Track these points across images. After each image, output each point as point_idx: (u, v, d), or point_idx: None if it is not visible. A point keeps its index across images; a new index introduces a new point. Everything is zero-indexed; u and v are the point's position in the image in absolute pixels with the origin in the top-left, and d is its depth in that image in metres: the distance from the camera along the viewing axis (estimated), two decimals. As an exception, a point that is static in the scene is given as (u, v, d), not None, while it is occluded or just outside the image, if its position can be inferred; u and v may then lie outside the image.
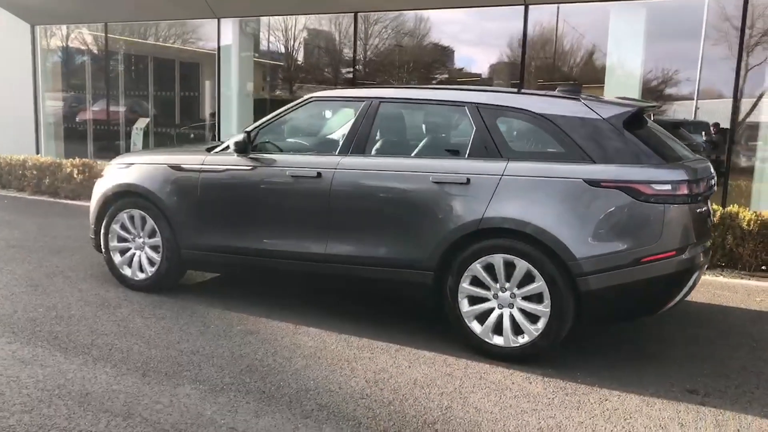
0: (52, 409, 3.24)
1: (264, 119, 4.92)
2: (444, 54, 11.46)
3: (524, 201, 3.98)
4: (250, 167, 4.77)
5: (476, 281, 4.10)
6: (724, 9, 8.48)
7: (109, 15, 12.01)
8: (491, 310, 4.10)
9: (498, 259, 4.01)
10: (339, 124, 5.28)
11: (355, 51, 10.36)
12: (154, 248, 5.15)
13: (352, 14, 10.11)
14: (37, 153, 12.78)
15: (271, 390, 3.55)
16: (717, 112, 9.12)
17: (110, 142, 12.98)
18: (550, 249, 3.88)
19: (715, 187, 4.41)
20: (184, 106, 13.45)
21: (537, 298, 3.96)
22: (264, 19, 11.85)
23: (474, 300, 4.14)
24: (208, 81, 12.73)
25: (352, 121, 4.64)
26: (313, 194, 4.53)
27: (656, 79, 9.60)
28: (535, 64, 10.25)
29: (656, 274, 3.83)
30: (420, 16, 10.65)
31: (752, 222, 6.34)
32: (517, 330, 4.04)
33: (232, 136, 4.90)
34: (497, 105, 4.27)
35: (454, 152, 4.41)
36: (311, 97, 4.88)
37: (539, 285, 3.92)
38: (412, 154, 4.52)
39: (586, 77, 10.23)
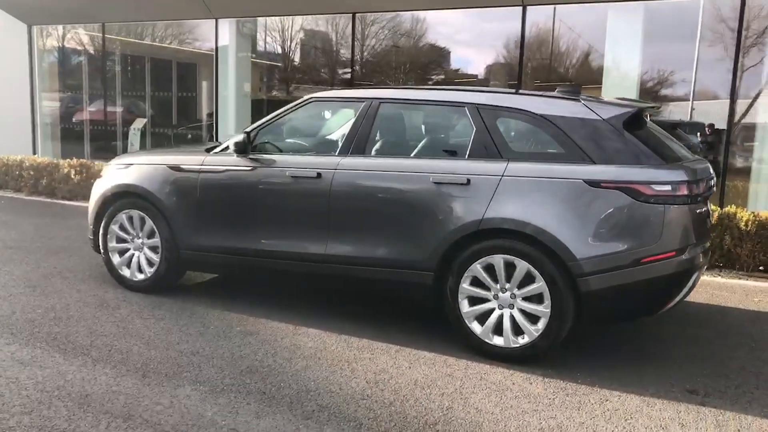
0: (51, 410, 3.23)
1: (264, 120, 4.91)
2: (442, 55, 11.47)
3: (524, 201, 3.99)
4: (249, 168, 4.76)
5: (476, 282, 4.10)
6: (720, 10, 8.50)
7: (107, 15, 11.98)
8: (491, 310, 4.10)
9: (498, 260, 4.01)
10: (339, 124, 5.28)
11: (353, 52, 10.36)
12: (153, 249, 5.14)
13: (350, 15, 10.10)
14: (34, 153, 12.74)
15: (271, 391, 3.54)
16: (713, 113, 9.15)
17: (107, 142, 12.95)
18: (551, 249, 3.88)
19: (715, 188, 4.42)
20: (182, 107, 13.43)
21: (537, 298, 3.97)
22: (262, 20, 11.85)
23: (474, 300, 4.14)
24: (206, 81, 12.71)
25: (352, 121, 4.64)
26: (312, 195, 4.53)
27: (653, 80, 9.62)
28: (533, 65, 10.27)
29: (656, 274, 3.84)
30: (418, 16, 10.65)
31: (750, 222, 6.36)
32: (518, 330, 4.04)
33: (232, 136, 4.89)
34: (497, 105, 4.27)
35: (454, 153, 4.41)
36: (311, 98, 4.88)
37: (539, 285, 3.92)
38: (412, 155, 4.52)
39: (583, 78, 10.25)
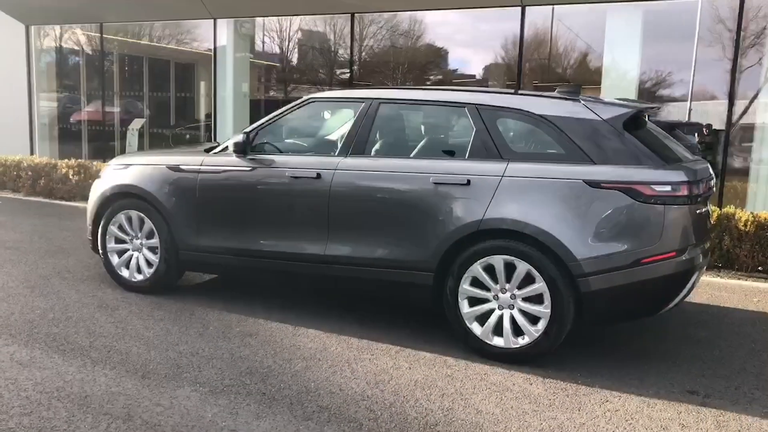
0: (51, 411, 3.22)
1: (263, 120, 4.90)
2: (440, 55, 11.46)
3: (524, 202, 3.98)
4: (249, 168, 4.75)
5: (476, 282, 4.10)
6: (718, 11, 8.51)
7: (105, 15, 11.95)
8: (491, 311, 4.09)
9: (498, 260, 4.01)
10: (338, 125, 5.27)
11: (351, 52, 10.35)
12: (152, 249, 5.13)
13: (349, 15, 10.09)
14: (32, 154, 12.70)
15: (271, 392, 3.54)
16: (711, 114, 9.15)
17: (105, 142, 12.91)
18: (551, 250, 3.88)
19: (714, 189, 4.42)
20: (180, 107, 13.40)
21: (537, 299, 3.96)
22: (260, 20, 11.83)
23: (474, 301, 4.13)
24: (204, 82, 12.69)
25: (352, 122, 4.64)
26: (312, 195, 4.52)
27: (652, 81, 9.62)
28: (532, 66, 10.27)
29: (656, 275, 3.84)
30: (417, 17, 10.64)
31: (749, 223, 6.37)
32: (518, 331, 4.03)
33: (231, 137, 4.88)
34: (497, 106, 4.27)
35: (455, 153, 4.41)
36: (310, 98, 4.87)
37: (540, 286, 3.92)
38: (412, 155, 4.52)
39: (581, 78, 10.24)
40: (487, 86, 10.54)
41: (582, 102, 4.13)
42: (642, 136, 4.07)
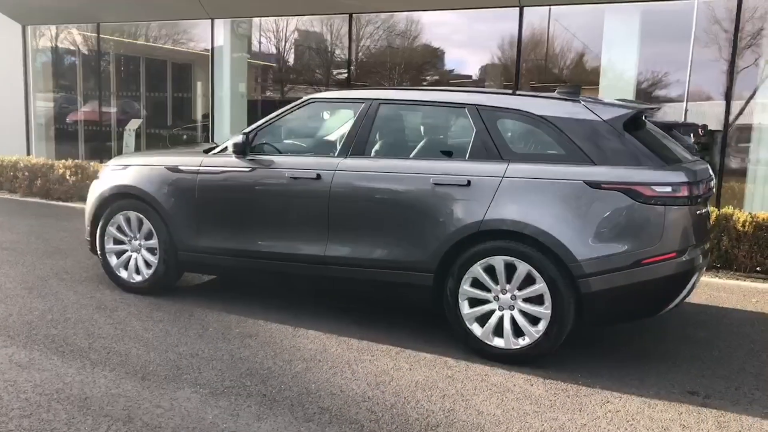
0: (51, 413, 3.20)
1: (262, 121, 4.89)
2: (438, 55, 11.46)
3: (525, 203, 3.98)
4: (248, 169, 4.74)
5: (477, 283, 4.10)
6: (714, 12, 8.53)
7: (102, 15, 11.92)
8: (492, 312, 4.09)
9: (498, 261, 4.01)
10: (338, 125, 5.26)
11: (350, 52, 10.34)
12: (151, 250, 5.11)
13: (347, 15, 10.08)
14: (28, 154, 12.66)
15: (272, 393, 3.53)
16: (706, 114, 9.17)
17: (101, 143, 12.88)
18: (551, 251, 3.88)
19: (714, 189, 4.43)
20: (177, 107, 13.37)
21: (538, 299, 3.96)
22: (258, 20, 11.81)
23: (474, 302, 4.13)
24: (200, 82, 12.66)
25: (352, 122, 4.63)
26: (312, 196, 4.52)
27: (649, 82, 9.64)
28: (529, 66, 10.27)
29: (657, 275, 3.84)
30: (415, 17, 10.64)
31: (747, 224, 6.38)
32: (518, 332, 4.03)
33: (230, 137, 4.87)
34: (497, 106, 4.26)
35: (455, 154, 4.40)
36: (310, 99, 4.86)
37: (540, 287, 3.92)
38: (412, 156, 4.51)
39: (579, 79, 10.24)
40: (484, 87, 10.54)
41: (582, 103, 4.13)
42: (642, 137, 4.07)
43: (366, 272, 4.40)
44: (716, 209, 6.71)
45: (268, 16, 11.43)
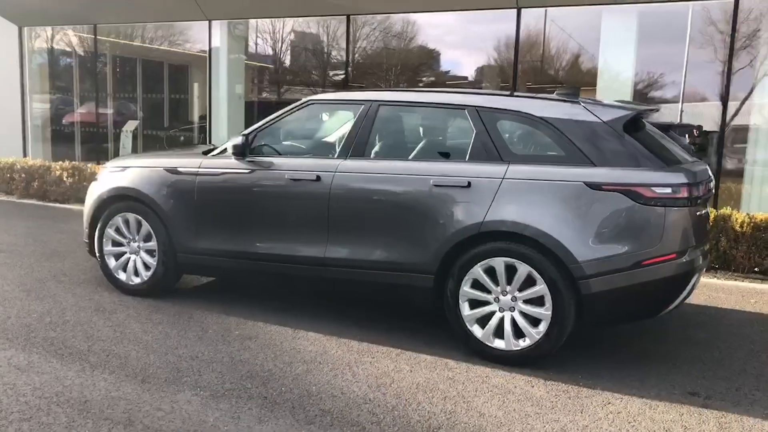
0: (51, 417, 3.18)
1: (262, 122, 4.88)
2: (434, 57, 11.46)
3: (525, 204, 3.98)
4: (248, 170, 4.73)
5: (477, 284, 4.09)
6: (709, 13, 8.55)
7: (99, 17, 11.89)
8: (492, 313, 4.09)
9: (499, 263, 4.00)
10: (338, 127, 5.26)
11: (347, 53, 10.34)
12: (150, 252, 5.09)
13: (345, 17, 10.07)
14: (25, 156, 12.63)
15: (273, 395, 3.52)
16: (701, 115, 9.20)
17: (98, 144, 12.85)
18: (552, 252, 3.88)
19: (714, 190, 4.43)
20: (173, 109, 13.35)
21: (538, 301, 3.96)
22: (256, 22, 11.80)
23: (475, 303, 4.13)
24: (197, 83, 12.65)
25: (352, 124, 4.62)
26: (312, 198, 4.51)
27: (646, 83, 9.66)
28: (525, 67, 10.28)
29: (657, 276, 3.84)
30: (412, 19, 10.64)
31: (745, 224, 6.39)
32: (519, 333, 4.03)
33: (230, 138, 4.86)
34: (497, 108, 4.26)
35: (455, 155, 4.40)
36: (310, 100, 4.86)
37: (540, 288, 3.92)
38: (412, 157, 4.50)
39: (575, 80, 10.27)
40: (481, 88, 10.55)
41: (582, 104, 4.14)
42: (641, 138, 4.08)
43: (366, 274, 4.40)
44: (714, 210, 6.72)
45: (265, 17, 11.42)
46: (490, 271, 4.04)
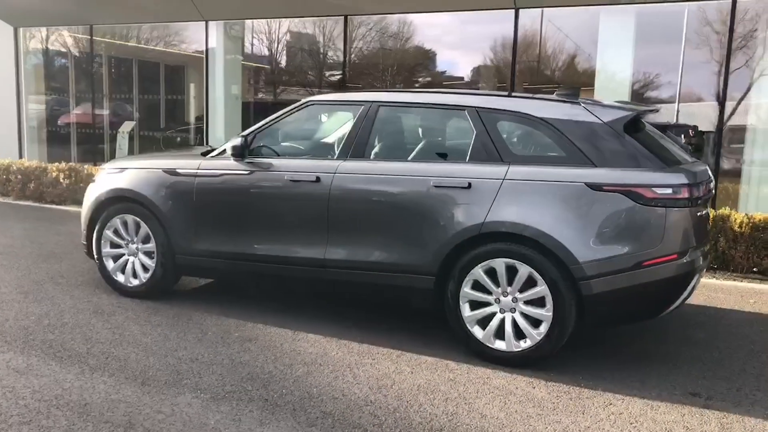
0: (51, 420, 3.16)
1: (261, 123, 4.86)
2: (431, 57, 11.46)
3: (526, 205, 3.98)
4: (247, 172, 4.72)
5: (478, 286, 4.09)
6: (705, 14, 8.57)
7: (96, 18, 11.85)
8: (493, 314, 4.08)
9: (500, 264, 4.00)
10: (337, 128, 5.24)
11: (345, 54, 10.32)
12: (148, 254, 5.07)
13: (342, 17, 10.06)
14: (20, 157, 12.58)
15: (274, 398, 3.50)
16: (697, 115, 9.23)
17: (94, 145, 12.80)
18: (552, 253, 3.87)
19: (714, 191, 4.43)
20: (169, 110, 13.31)
21: (539, 302, 3.95)
22: (254, 22, 11.77)
23: (476, 305, 4.12)
24: (193, 84, 12.61)
25: (351, 124, 4.61)
26: (311, 199, 4.49)
27: (643, 83, 9.68)
28: (522, 68, 10.28)
29: (658, 277, 3.84)
30: (409, 19, 10.63)
31: (744, 224, 6.40)
32: (519, 334, 4.02)
33: (229, 139, 4.84)
34: (497, 108, 4.25)
35: (455, 156, 4.39)
36: (309, 101, 4.84)
37: (541, 289, 3.91)
38: (412, 158, 4.49)
39: (572, 80, 10.27)
40: (478, 88, 10.54)
41: (582, 105, 4.13)
42: (641, 139, 4.08)
43: (366, 275, 4.39)
44: (713, 210, 6.72)
45: (262, 18, 11.39)
46: (491, 272, 4.04)
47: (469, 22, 9.95)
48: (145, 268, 5.10)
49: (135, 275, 5.14)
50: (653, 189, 3.80)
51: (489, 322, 4.08)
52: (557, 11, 9.25)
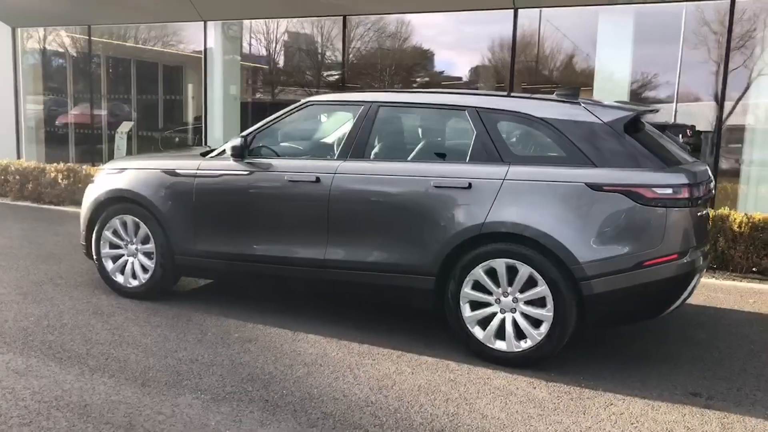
0: (51, 421, 3.15)
1: (261, 123, 4.86)
2: (430, 58, 11.46)
3: (526, 205, 3.97)
4: (247, 172, 4.71)
5: (478, 286, 4.08)
6: (703, 14, 8.58)
7: (94, 18, 11.83)
8: (493, 314, 4.08)
9: (500, 264, 4.00)
10: (337, 128, 5.24)
11: (343, 54, 10.32)
12: (148, 255, 5.06)
13: (341, 18, 10.05)
14: (18, 157, 12.56)
15: (274, 398, 3.49)
16: (695, 115, 9.25)
17: (92, 146, 12.78)
18: (553, 253, 3.87)
19: (714, 191, 4.43)
20: (168, 110, 13.29)
21: (539, 302, 3.95)
22: (252, 22, 11.76)
23: (476, 305, 4.11)
24: (191, 84, 12.60)
25: (351, 125, 4.60)
26: (311, 199, 4.49)
27: (641, 83, 9.69)
28: (520, 68, 10.28)
29: (658, 277, 3.84)
30: (407, 20, 10.63)
31: (743, 224, 6.41)
32: (520, 334, 4.02)
33: (229, 140, 4.83)
34: (497, 109, 4.25)
35: (455, 156, 4.39)
36: (309, 101, 4.84)
37: (542, 289, 3.91)
38: (412, 159, 4.49)
39: (570, 80, 10.28)
40: (477, 88, 10.54)
41: (582, 105, 4.13)
42: (641, 139, 4.08)
43: (366, 275, 4.38)
44: (712, 210, 6.73)
45: (261, 18, 11.38)
46: (491, 273, 4.03)
47: (468, 22, 9.95)
48: (144, 269, 5.09)
49: (134, 276, 5.13)
50: (653, 189, 3.80)
51: (489, 323, 4.08)
52: (556, 11, 9.25)
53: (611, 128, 3.99)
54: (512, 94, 4.86)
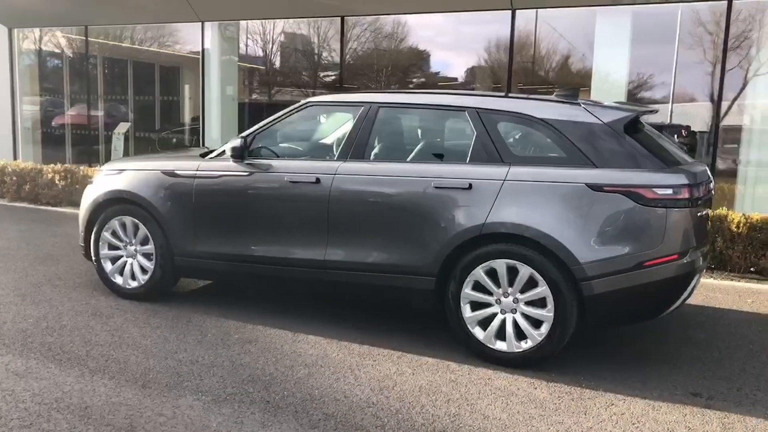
0: (51, 423, 3.14)
1: (260, 124, 4.85)
2: (427, 58, 11.47)
3: (526, 206, 3.98)
4: (246, 173, 4.70)
5: (478, 286, 4.08)
6: (699, 15, 8.61)
7: (92, 18, 11.81)
8: (494, 315, 4.08)
9: (500, 264, 4.00)
10: (337, 129, 5.23)
11: (341, 55, 10.31)
12: (147, 256, 5.05)
13: (339, 18, 10.06)
14: (15, 158, 12.52)
15: (275, 400, 3.49)
16: (690, 115, 9.28)
17: (89, 146, 12.76)
18: (553, 253, 3.87)
19: (714, 191, 4.45)
20: (165, 111, 13.28)
21: (540, 302, 3.95)
22: (249, 23, 11.76)
23: (476, 305, 4.12)
24: (188, 85, 12.58)
25: (351, 126, 4.60)
26: (311, 200, 4.48)
27: (638, 84, 9.72)
28: (519, 68, 10.30)
29: (658, 277, 3.84)
30: (405, 20, 10.64)
31: (741, 224, 6.42)
32: (521, 335, 4.02)
33: (229, 140, 4.82)
34: (497, 109, 4.25)
35: (455, 157, 4.39)
36: (308, 102, 4.83)
37: (542, 290, 3.91)
38: (412, 159, 4.49)
39: (569, 81, 10.30)
40: (474, 89, 10.55)
41: (582, 105, 4.14)
42: (641, 139, 4.08)
43: (366, 276, 4.38)
44: (710, 210, 6.74)
45: (258, 19, 11.37)
46: (492, 273, 4.03)
47: (466, 22, 9.96)
48: (143, 270, 5.08)
49: (133, 277, 5.12)
50: (654, 189, 3.80)
51: (490, 323, 4.08)
52: (553, 12, 9.27)
53: (611, 129, 4.00)
54: (512, 95, 4.86)
